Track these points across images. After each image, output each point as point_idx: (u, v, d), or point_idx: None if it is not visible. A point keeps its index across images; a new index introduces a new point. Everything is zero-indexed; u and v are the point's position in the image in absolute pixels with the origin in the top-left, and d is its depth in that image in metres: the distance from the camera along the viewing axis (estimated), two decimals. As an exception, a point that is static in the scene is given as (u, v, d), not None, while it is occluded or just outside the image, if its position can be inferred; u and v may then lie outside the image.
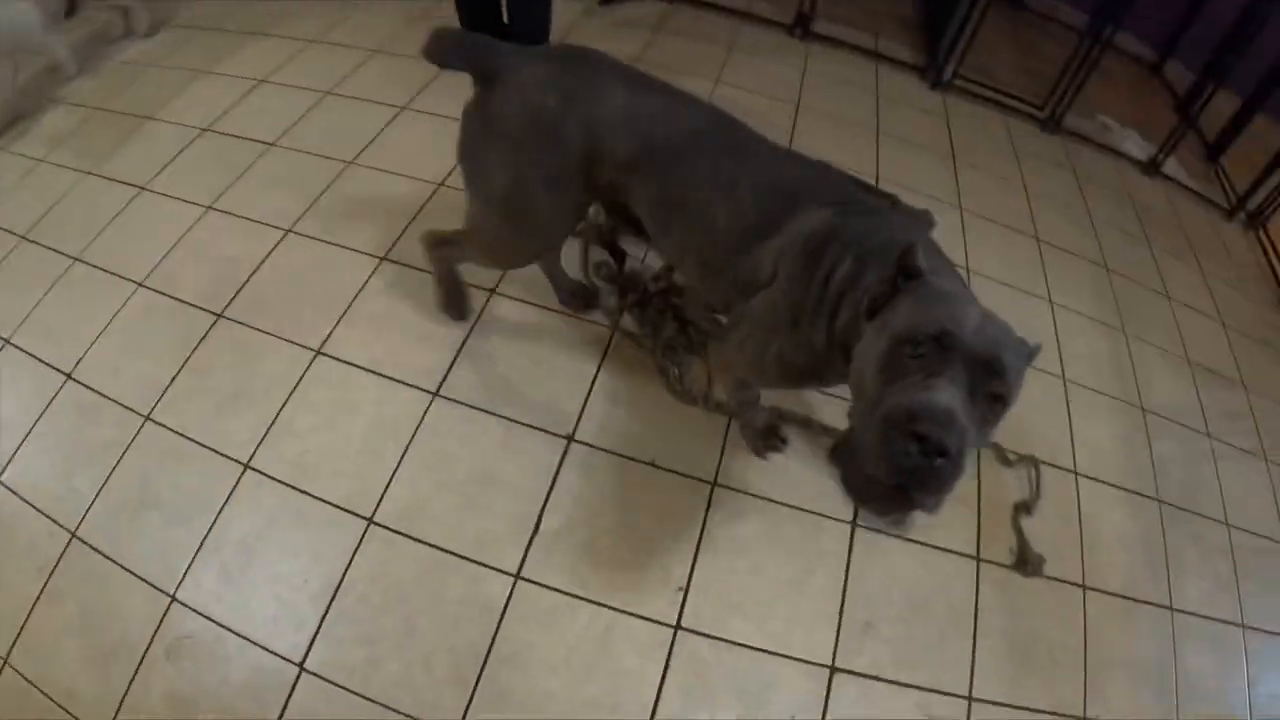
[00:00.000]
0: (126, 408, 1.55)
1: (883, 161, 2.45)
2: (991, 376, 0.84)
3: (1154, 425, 2.00)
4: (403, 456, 1.48)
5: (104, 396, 1.57)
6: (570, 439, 1.54)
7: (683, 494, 1.51)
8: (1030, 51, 3.42)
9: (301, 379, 1.58)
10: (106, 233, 1.87)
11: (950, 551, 1.56)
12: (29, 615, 1.35)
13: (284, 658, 1.29)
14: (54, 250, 1.84)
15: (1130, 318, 2.26)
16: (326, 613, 1.32)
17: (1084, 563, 1.65)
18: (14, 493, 1.47)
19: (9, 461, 1.51)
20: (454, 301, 1.68)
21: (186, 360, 1.61)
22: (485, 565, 1.37)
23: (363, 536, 1.39)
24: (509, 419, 1.55)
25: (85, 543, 1.40)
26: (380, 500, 1.43)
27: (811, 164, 1.24)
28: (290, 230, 1.85)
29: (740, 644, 1.36)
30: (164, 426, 1.52)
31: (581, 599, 1.36)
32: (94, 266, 1.79)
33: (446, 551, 1.38)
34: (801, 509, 1.53)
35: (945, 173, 2.52)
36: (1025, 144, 2.85)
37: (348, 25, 2.57)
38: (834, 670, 1.37)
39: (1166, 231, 2.72)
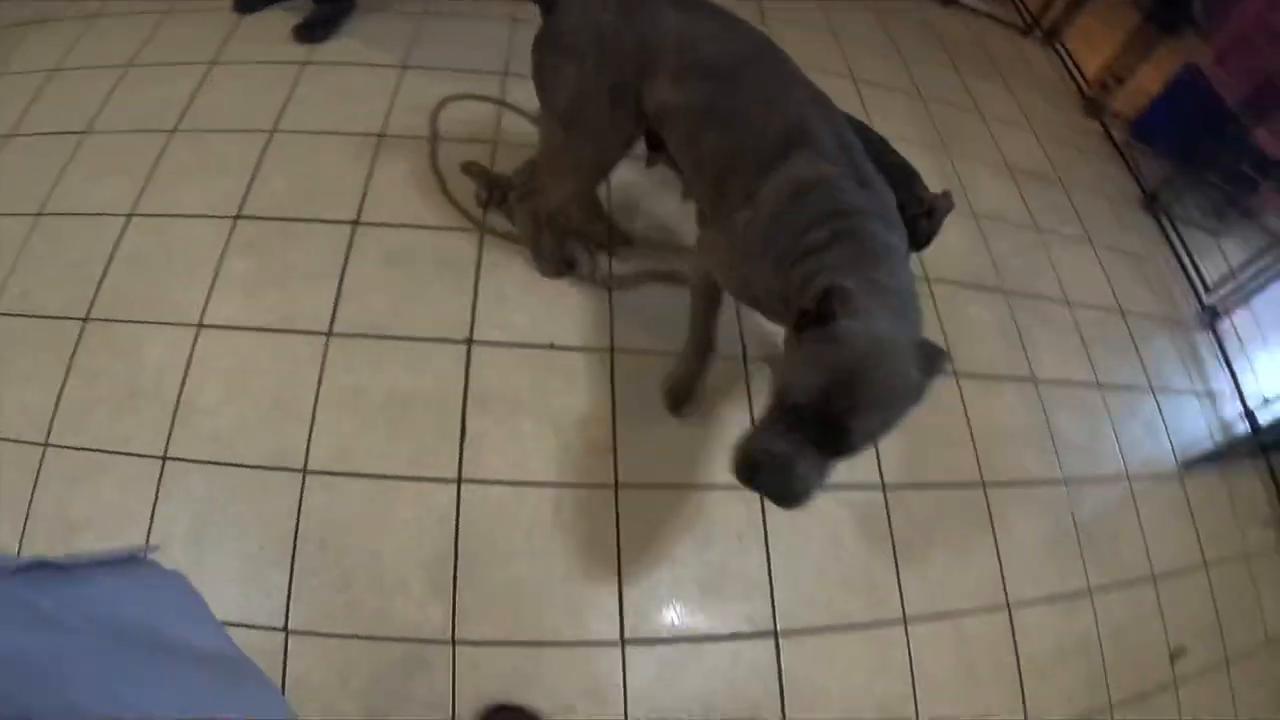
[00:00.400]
0: (21, 441, 1.47)
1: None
2: (837, 444, 0.97)
3: (988, 228, 2.24)
4: (316, 402, 1.50)
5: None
6: (470, 341, 1.60)
7: (587, 366, 1.61)
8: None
9: (191, 357, 1.55)
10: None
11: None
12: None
13: (267, 627, 1.31)
14: None
15: (951, 139, 2.49)
16: (292, 573, 1.35)
17: (954, 353, 1.87)
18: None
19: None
20: (557, 255, 1.72)
21: (67, 374, 1.54)
22: (427, 479, 1.44)
23: (302, 489, 1.41)
24: (406, 338, 1.59)
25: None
26: (307, 450, 1.45)
27: (836, 112, 1.25)
28: (132, 214, 1.76)
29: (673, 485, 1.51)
30: (67, 448, 1.46)
31: (524, 483, 1.46)
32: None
33: (386, 478, 1.43)
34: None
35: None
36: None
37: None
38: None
39: (971, 56, 2.96)
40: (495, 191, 1.80)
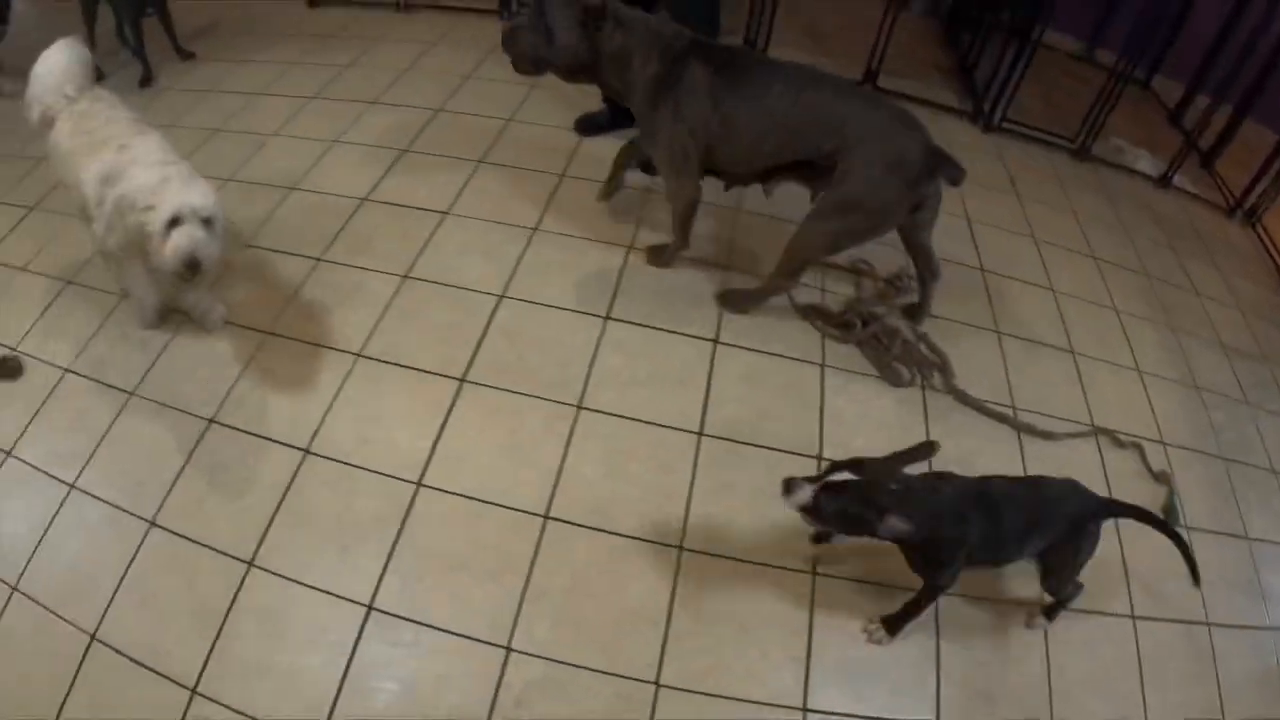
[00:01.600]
0: (397, 478, 1.86)
1: (957, 195, 3.03)
2: None
3: (1207, 399, 2.60)
4: (691, 488, 1.90)
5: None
6: (819, 458, 2.08)
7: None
8: (1040, 81, 4.02)
9: (571, 435, 1.96)
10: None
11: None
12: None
13: (637, 679, 1.59)
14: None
15: (1172, 314, 2.87)
16: (666, 635, 1.67)
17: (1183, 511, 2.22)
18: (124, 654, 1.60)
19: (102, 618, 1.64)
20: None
21: (442, 429, 1.95)
22: (787, 569, 1.84)
23: (678, 563, 1.79)
24: (765, 447, 2.03)
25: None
26: (684, 526, 1.85)
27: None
28: (503, 296, 2.30)
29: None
30: (437, 490, 1.85)
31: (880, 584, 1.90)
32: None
33: (751, 563, 1.82)
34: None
35: (1013, 204, 3.15)
36: (1063, 170, 3.47)
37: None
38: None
39: (1184, 236, 3.36)
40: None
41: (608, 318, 2.28)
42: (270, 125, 2.99)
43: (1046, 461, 2.14)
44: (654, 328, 2.27)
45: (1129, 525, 1.79)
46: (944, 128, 3.50)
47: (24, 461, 1.90)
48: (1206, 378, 2.68)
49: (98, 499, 1.82)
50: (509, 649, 1.61)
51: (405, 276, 2.34)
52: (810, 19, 4.10)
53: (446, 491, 1.84)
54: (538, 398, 2.06)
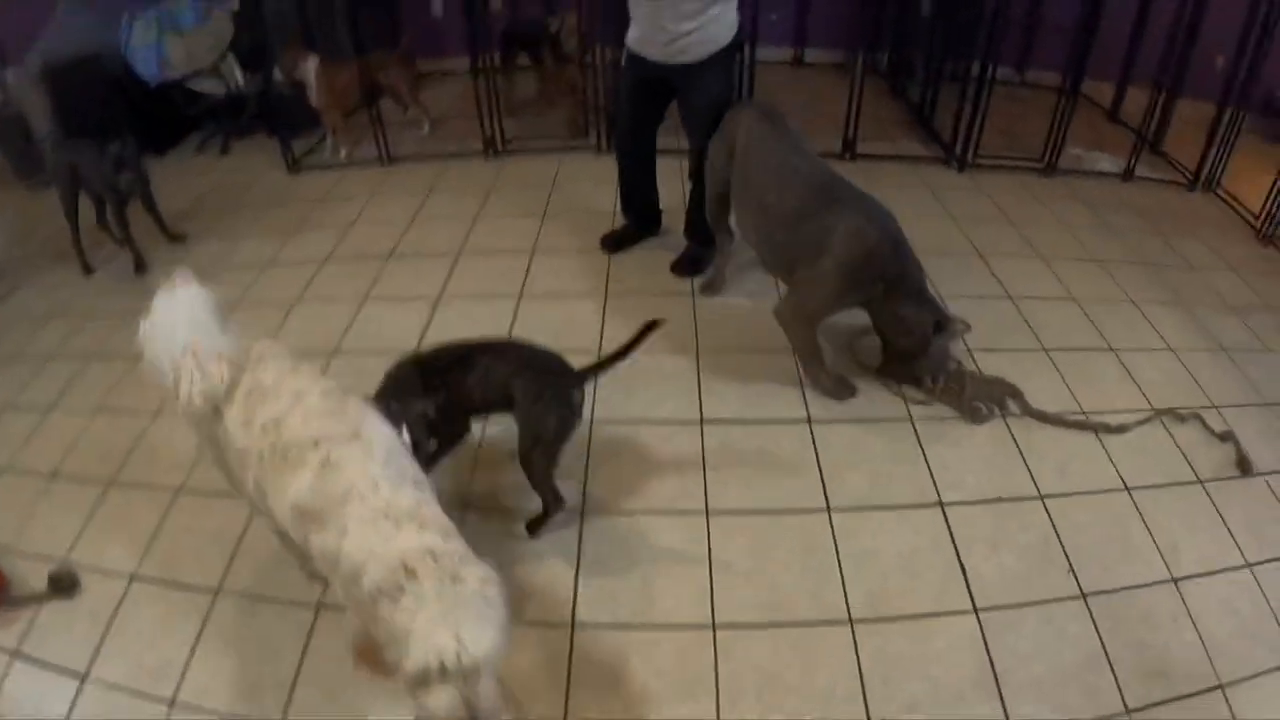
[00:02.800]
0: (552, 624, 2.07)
1: (963, 236, 3.43)
2: None
3: (1237, 358, 2.88)
4: (839, 562, 2.08)
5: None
6: (940, 504, 2.32)
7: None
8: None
9: (709, 540, 2.09)
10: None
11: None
12: None
13: None
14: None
15: (1179, 291, 3.18)
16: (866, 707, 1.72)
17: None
18: None
19: None
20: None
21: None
22: (950, 613, 1.94)
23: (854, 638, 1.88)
24: (890, 507, 2.22)
25: None
26: (846, 603, 2.02)
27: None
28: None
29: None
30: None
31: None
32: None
33: (920, 616, 1.93)
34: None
35: (1009, 231, 3.51)
36: (1040, 189, 3.89)
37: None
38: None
39: (1162, 218, 3.73)
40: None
41: (702, 421, 2.46)
42: (291, 292, 3.13)
43: (1127, 451, 2.38)
44: (751, 421, 2.46)
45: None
46: (925, 176, 3.92)
47: (108, 684, 1.77)
48: (1229, 338, 2.97)
49: (207, 712, 1.71)
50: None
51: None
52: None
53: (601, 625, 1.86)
54: (664, 513, 2.16)
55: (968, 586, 1.97)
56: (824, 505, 2.20)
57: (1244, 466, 2.38)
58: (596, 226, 3.42)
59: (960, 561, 2.03)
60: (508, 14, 4.78)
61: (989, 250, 3.35)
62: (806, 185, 2.36)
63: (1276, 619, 1.94)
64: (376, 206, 3.83)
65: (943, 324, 2.36)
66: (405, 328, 2.87)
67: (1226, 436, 2.48)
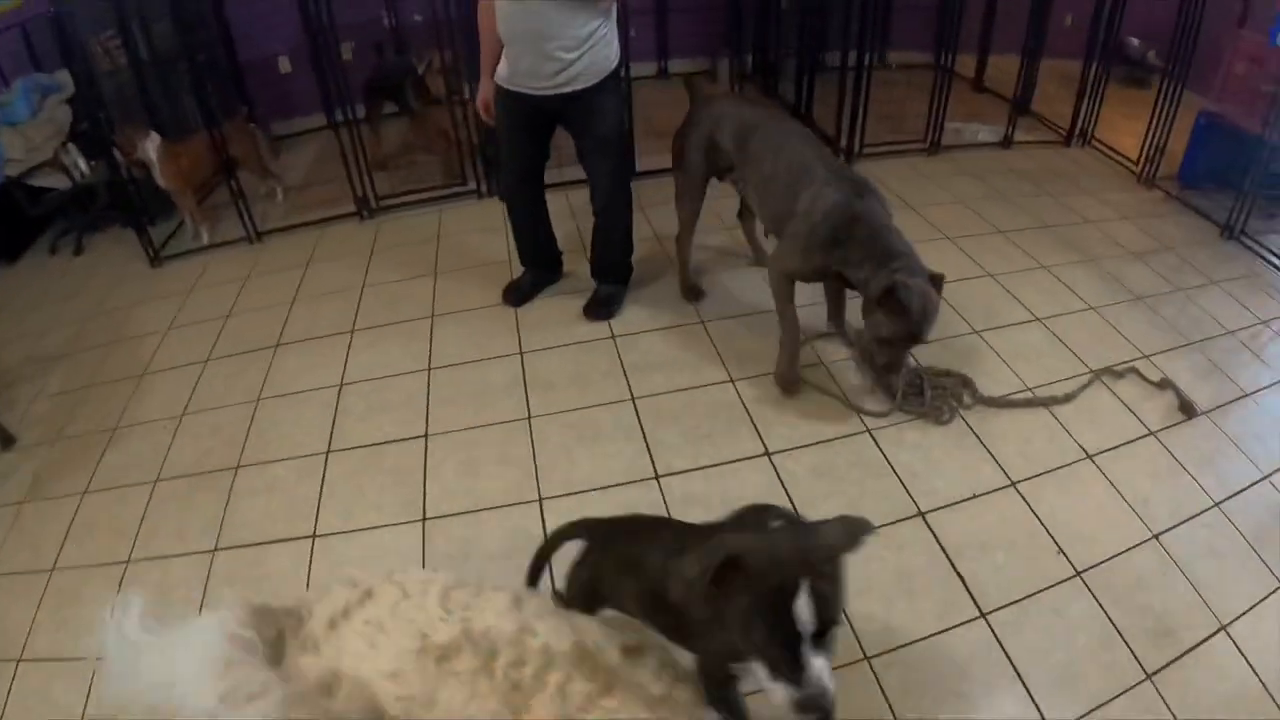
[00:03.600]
0: None
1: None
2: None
3: (1150, 303, 2.95)
4: None
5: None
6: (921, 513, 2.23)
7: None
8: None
9: None
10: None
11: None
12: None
13: None
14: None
15: (1083, 248, 3.26)
16: None
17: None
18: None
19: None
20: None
21: None
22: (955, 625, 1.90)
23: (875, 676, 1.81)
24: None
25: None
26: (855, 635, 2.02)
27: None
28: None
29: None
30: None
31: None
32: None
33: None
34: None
35: (913, 216, 3.50)
36: (928, 169, 3.92)
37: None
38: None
39: (1048, 179, 3.83)
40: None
41: (658, 477, 2.28)
42: (173, 405, 2.77)
43: (1078, 418, 2.39)
44: (709, 466, 2.30)
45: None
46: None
47: None
48: (1140, 286, 3.05)
49: None
50: None
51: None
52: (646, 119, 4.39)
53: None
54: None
55: (969, 594, 1.90)
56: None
57: (1187, 410, 2.44)
58: (495, 279, 3.20)
59: (956, 570, 1.96)
60: (375, 61, 4.46)
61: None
62: (794, 156, 2.39)
63: (1253, 549, 2.01)
64: (252, 291, 3.47)
65: (894, 288, 2.17)
66: (311, 425, 2.58)
67: (1164, 384, 2.53)
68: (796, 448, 2.35)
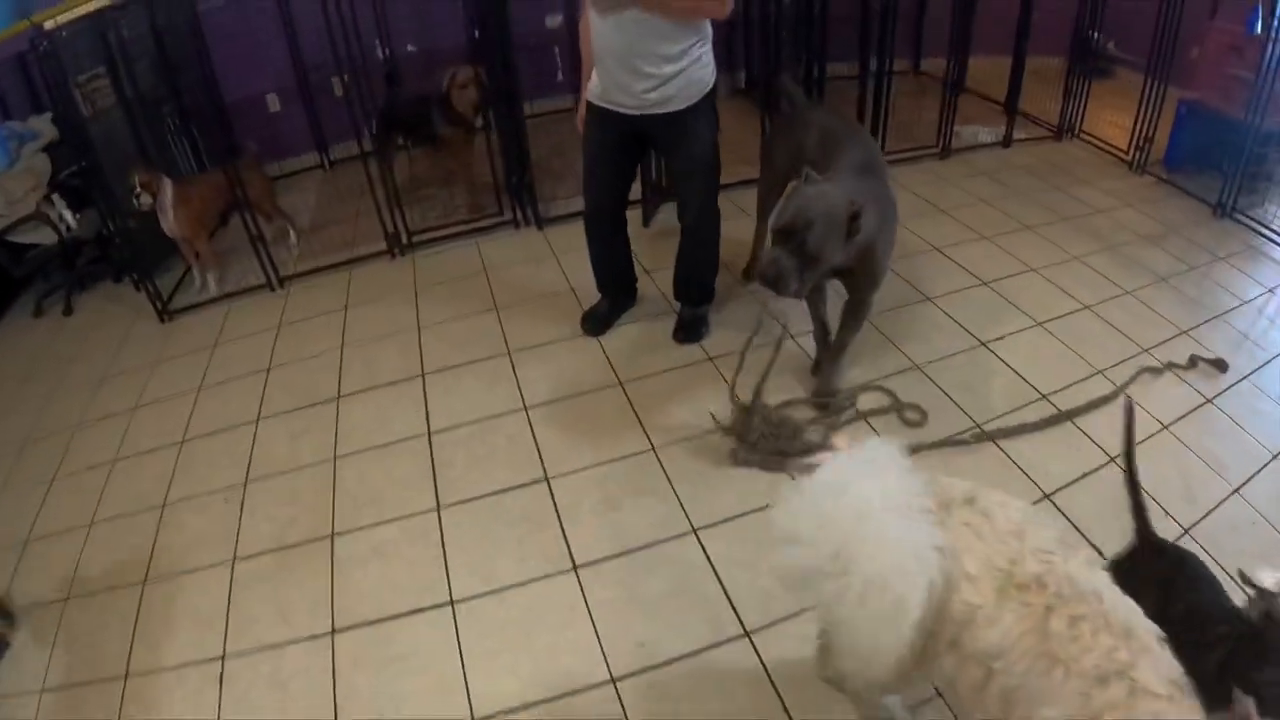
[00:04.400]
0: None
1: (911, 234, 3.48)
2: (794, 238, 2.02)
3: (1174, 282, 3.18)
4: None
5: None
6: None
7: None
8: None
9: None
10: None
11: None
12: None
13: None
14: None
15: (1103, 237, 3.48)
16: None
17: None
18: None
19: None
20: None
21: None
22: None
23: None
24: None
25: None
26: None
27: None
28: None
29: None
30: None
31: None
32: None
33: None
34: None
35: (946, 219, 3.67)
36: (945, 173, 4.11)
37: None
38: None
39: (1053, 173, 4.07)
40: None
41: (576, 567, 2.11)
42: (230, 470, 2.60)
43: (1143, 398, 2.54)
44: (630, 551, 2.14)
45: None
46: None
47: None
48: (1161, 267, 3.27)
49: None
50: None
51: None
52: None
53: None
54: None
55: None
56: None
57: (1220, 366, 2.68)
58: (563, 309, 3.16)
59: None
60: (387, 92, 4.28)
61: (941, 242, 3.48)
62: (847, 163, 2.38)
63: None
64: (290, 340, 3.29)
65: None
66: (408, 480, 2.46)
67: (1192, 361, 2.71)
68: (719, 521, 2.31)
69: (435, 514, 2.33)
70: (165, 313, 3.60)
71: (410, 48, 4.61)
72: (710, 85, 2.51)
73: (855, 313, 2.48)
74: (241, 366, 3.17)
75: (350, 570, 2.19)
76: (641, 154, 2.70)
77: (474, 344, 3.06)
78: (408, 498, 2.39)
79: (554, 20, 4.96)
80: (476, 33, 4.44)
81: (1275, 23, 3.31)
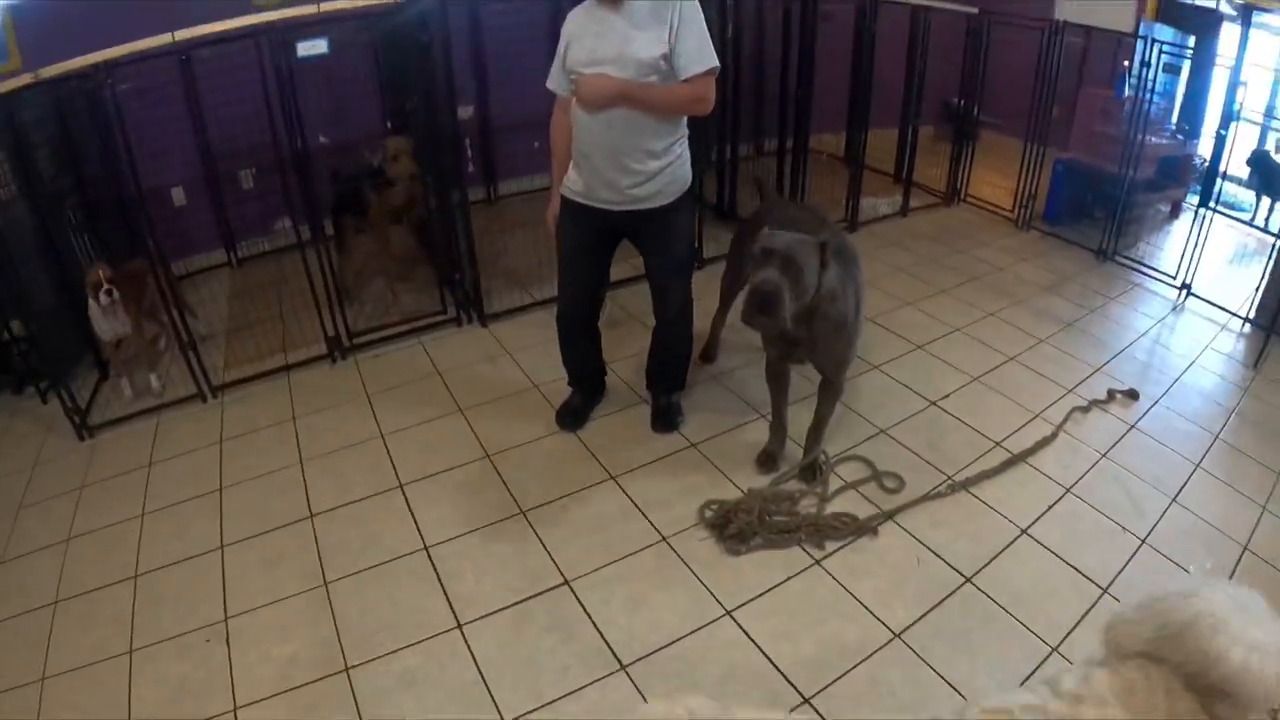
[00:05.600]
0: None
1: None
2: (777, 255, 2.08)
3: (1079, 325, 3.63)
4: None
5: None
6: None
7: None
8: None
9: None
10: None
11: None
12: None
13: None
14: None
15: (1010, 293, 3.91)
16: None
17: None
18: None
19: None
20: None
21: None
22: None
23: None
24: None
25: None
26: None
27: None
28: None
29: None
30: None
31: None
32: None
33: None
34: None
35: (876, 292, 3.87)
36: (858, 245, 4.37)
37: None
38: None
39: (952, 238, 4.53)
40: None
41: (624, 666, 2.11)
42: (205, 605, 2.35)
43: (1074, 442, 2.89)
44: (676, 640, 2.15)
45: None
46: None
47: None
48: (1065, 314, 3.74)
49: None
50: None
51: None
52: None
53: None
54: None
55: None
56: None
57: (1133, 395, 3.12)
58: (533, 406, 3.12)
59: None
60: (331, 174, 3.97)
61: (874, 312, 3.68)
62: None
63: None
64: (238, 456, 3.01)
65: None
66: (416, 600, 2.33)
67: (1110, 395, 3.11)
68: (751, 598, 2.50)
69: (458, 631, 2.22)
70: (85, 428, 3.20)
71: (323, 139, 4.49)
72: (689, 182, 2.61)
73: (828, 391, 2.64)
74: (188, 488, 2.87)
75: (379, 703, 2.02)
76: (614, 250, 2.73)
77: (449, 449, 2.95)
78: (422, 620, 2.25)
79: (465, 111, 4.99)
80: (389, 124, 4.43)
81: (1140, 85, 3.87)
